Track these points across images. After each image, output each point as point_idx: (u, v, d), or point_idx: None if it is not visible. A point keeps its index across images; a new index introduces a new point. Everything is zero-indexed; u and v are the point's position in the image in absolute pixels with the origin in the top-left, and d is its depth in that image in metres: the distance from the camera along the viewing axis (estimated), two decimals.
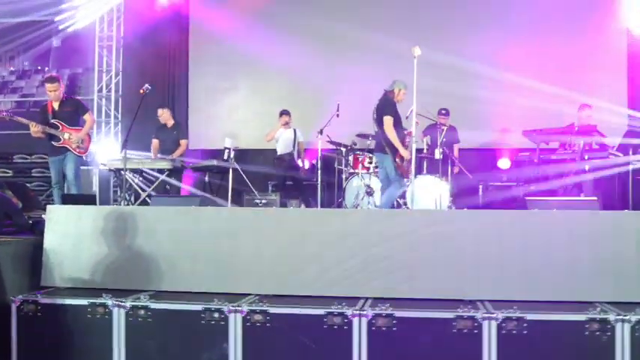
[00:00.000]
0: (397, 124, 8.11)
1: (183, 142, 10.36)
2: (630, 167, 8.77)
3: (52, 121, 8.34)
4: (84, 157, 8.71)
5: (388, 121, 8.03)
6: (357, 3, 11.96)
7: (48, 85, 8.48)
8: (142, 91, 7.94)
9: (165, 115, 10.45)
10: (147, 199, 9.27)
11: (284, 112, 10.73)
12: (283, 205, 9.80)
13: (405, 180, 8.24)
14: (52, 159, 8.49)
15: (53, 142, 8.34)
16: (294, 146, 10.68)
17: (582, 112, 9.55)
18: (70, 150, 8.36)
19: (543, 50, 11.33)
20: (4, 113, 8.77)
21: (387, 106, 8.16)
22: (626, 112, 11.59)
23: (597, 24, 11.53)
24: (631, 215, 5.50)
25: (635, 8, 11.63)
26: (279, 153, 10.73)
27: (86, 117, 8.67)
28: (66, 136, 8.32)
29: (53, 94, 8.41)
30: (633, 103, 11.75)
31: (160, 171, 9.53)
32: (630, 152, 8.85)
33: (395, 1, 11.88)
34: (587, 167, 8.84)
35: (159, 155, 10.06)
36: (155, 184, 9.49)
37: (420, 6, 11.80)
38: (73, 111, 8.61)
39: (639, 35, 11.66)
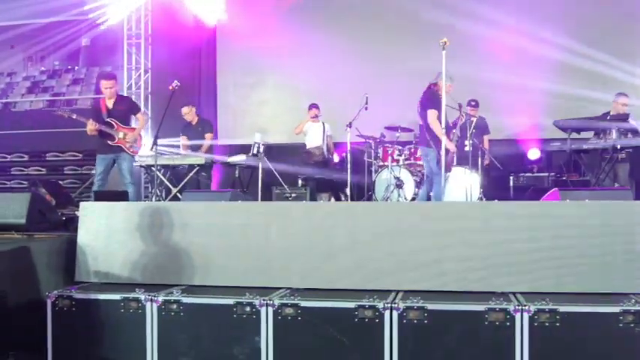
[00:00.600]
0: (441, 118, 8.04)
1: (207, 135, 10.43)
2: None
3: (107, 119, 8.39)
4: (136, 157, 8.79)
5: (432, 114, 8.01)
6: None
7: (104, 82, 8.52)
8: (171, 87, 7.99)
9: (190, 113, 10.53)
10: (178, 194, 9.35)
11: (313, 106, 10.77)
12: (313, 199, 9.85)
13: (448, 173, 8.21)
14: (103, 157, 8.51)
15: (108, 141, 8.39)
16: (323, 140, 10.70)
17: (618, 100, 9.44)
18: (124, 149, 8.43)
19: (576, 36, 11.20)
20: (63, 110, 8.84)
21: (431, 99, 8.12)
22: None
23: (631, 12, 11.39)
24: None
25: None
26: (308, 147, 10.76)
27: (139, 116, 8.78)
28: (121, 135, 8.39)
29: (109, 92, 8.45)
30: None
31: (191, 167, 9.61)
32: None
33: None
34: (620, 156, 8.75)
35: (189, 151, 10.13)
36: (186, 180, 9.57)
37: None
38: (127, 109, 8.70)
39: None
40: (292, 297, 5.00)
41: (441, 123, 7.91)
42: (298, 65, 12.07)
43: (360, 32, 11.71)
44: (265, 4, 12.16)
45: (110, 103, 8.48)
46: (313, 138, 10.79)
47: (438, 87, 8.14)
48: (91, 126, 8.23)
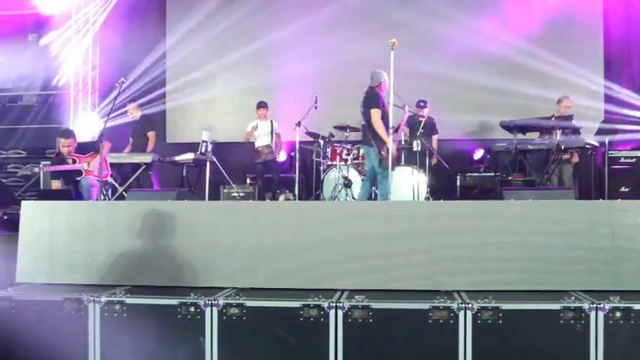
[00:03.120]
0: (385, 117, 8.11)
1: (150, 134, 10.34)
2: (606, 157, 8.86)
3: (68, 158, 8.38)
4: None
5: (375, 113, 8.05)
6: None
7: (62, 140, 8.43)
8: (117, 84, 7.88)
9: (132, 110, 10.42)
10: (124, 193, 9.22)
11: (261, 105, 10.71)
12: (261, 198, 9.80)
13: (390, 172, 8.26)
14: None
15: (77, 178, 8.36)
16: (272, 138, 10.65)
17: (562, 103, 9.64)
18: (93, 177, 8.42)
19: (523, 41, 11.37)
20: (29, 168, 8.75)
21: (373, 99, 8.16)
22: (602, 104, 11.72)
23: (574, 20, 11.61)
24: (604, 204, 5.53)
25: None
26: (256, 145, 10.66)
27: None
28: (85, 166, 8.29)
29: (66, 150, 8.38)
30: (609, 94, 11.85)
31: (137, 165, 9.49)
32: (606, 141, 8.93)
33: None
34: (564, 157, 8.91)
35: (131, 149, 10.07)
36: (132, 179, 9.45)
37: None
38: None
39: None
40: (237, 297, 4.97)
41: (387, 123, 7.95)
42: (248, 63, 12.02)
43: (310, 31, 11.69)
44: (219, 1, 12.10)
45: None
46: (262, 137, 10.68)
47: (379, 87, 8.21)
48: (54, 185, 8.33)
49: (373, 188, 8.55)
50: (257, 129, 10.60)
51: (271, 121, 10.74)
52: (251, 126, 10.66)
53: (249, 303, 4.89)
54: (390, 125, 7.94)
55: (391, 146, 7.94)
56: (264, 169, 10.63)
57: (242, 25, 11.82)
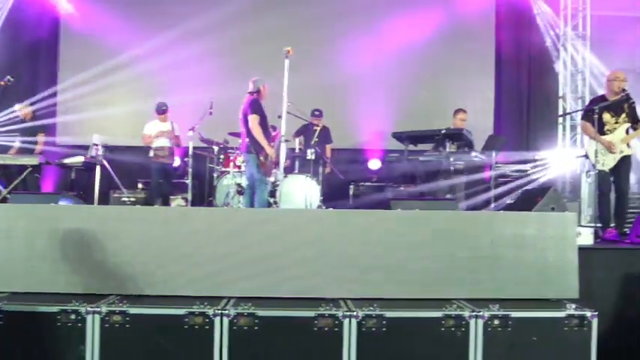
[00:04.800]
0: (264, 124, 8.16)
1: (39, 137, 9.98)
2: (493, 170, 9.15)
3: None
4: None
5: (254, 119, 8.09)
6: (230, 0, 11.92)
7: None
8: (2, 83, 7.60)
9: (22, 111, 10.05)
10: (7, 196, 8.87)
11: (165, 110, 10.45)
12: (150, 203, 9.63)
13: (268, 179, 8.30)
14: None
15: None
16: (170, 140, 10.41)
17: (457, 115, 9.91)
18: None
19: (416, 55, 11.64)
20: None
21: (252, 105, 8.20)
22: (492, 117, 12.13)
23: (467, 31, 11.98)
24: (486, 216, 5.73)
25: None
26: (154, 147, 10.35)
27: None
28: None
29: None
30: (498, 107, 12.28)
31: (23, 167, 9.15)
32: (493, 155, 9.23)
33: (269, 0, 11.90)
34: (453, 168, 9.15)
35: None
36: (17, 182, 9.10)
37: (294, 4, 11.85)
38: None
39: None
40: (121, 304, 4.85)
41: (267, 130, 8.04)
42: (144, 66, 11.82)
43: (207, 37, 11.62)
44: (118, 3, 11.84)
45: None
46: (161, 138, 10.36)
47: (258, 93, 8.27)
48: None
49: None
50: (155, 128, 10.32)
51: (171, 123, 10.44)
52: (151, 129, 10.36)
53: (133, 310, 4.77)
54: (281, 133, 8.00)
55: (270, 151, 8.02)
56: (158, 172, 10.28)
57: (138, 27, 11.62)
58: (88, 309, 4.76)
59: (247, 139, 8.25)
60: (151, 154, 10.31)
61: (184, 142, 10.11)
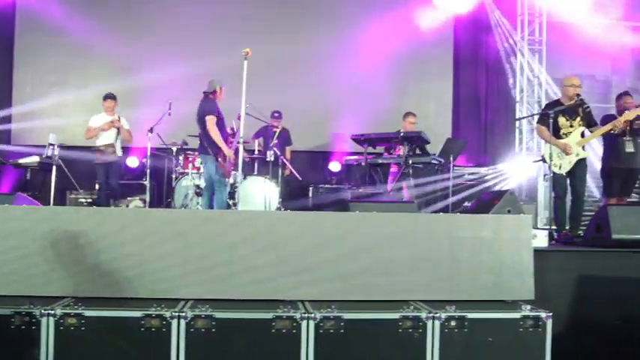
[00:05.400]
0: (221, 124, 8.14)
1: None
2: (451, 172, 9.24)
3: None
4: None
5: (210, 120, 8.09)
6: (189, 1, 11.86)
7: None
8: None
9: None
10: None
11: (109, 96, 9.99)
12: (106, 204, 9.48)
13: (227, 180, 8.27)
14: None
15: None
16: (117, 137, 9.93)
17: (407, 119, 10.01)
18: None
19: (375, 59, 11.70)
20: None
21: (208, 106, 8.18)
22: (450, 121, 12.25)
23: (426, 36, 12.09)
24: (444, 218, 5.77)
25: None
26: (98, 144, 9.87)
27: None
28: None
29: None
30: (457, 111, 12.41)
31: None
32: (451, 158, 9.32)
33: (228, 1, 11.86)
34: (411, 171, 9.23)
35: None
36: None
37: (254, 6, 11.83)
38: None
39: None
40: (76, 306, 4.77)
41: (221, 130, 8.02)
42: (103, 66, 11.72)
43: (166, 37, 11.57)
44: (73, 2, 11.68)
45: None
46: (106, 134, 9.84)
47: (215, 94, 8.26)
48: None
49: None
50: (101, 121, 9.87)
51: (119, 117, 10.05)
52: (97, 121, 9.89)
53: (88, 313, 4.70)
54: (241, 135, 7.98)
55: (228, 152, 8.01)
56: (103, 171, 9.73)
57: (97, 27, 11.49)
58: (42, 311, 4.68)
59: (204, 141, 8.22)
60: (97, 152, 9.81)
61: (143, 143, 9.96)
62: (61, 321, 4.68)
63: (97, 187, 10.11)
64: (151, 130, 9.45)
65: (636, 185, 8.47)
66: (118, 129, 9.87)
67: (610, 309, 5.79)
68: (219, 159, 7.99)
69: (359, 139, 9.38)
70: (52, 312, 4.69)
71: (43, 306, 4.73)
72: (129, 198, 10.20)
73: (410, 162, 8.95)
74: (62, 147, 9.49)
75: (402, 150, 9.14)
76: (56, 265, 5.27)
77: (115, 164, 9.89)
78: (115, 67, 11.59)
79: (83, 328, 4.69)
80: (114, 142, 9.87)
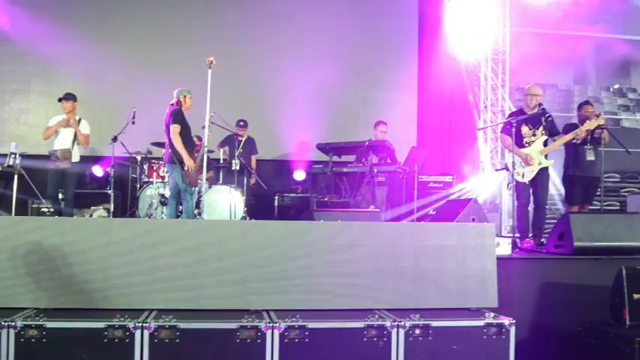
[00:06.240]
0: (186, 134, 8.12)
1: None
2: (415, 181, 9.28)
3: None
4: None
5: (175, 129, 8.06)
6: (154, 9, 11.81)
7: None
8: None
9: None
10: None
11: (66, 97, 9.34)
12: (69, 214, 9.29)
13: (194, 189, 8.24)
14: None
15: None
16: (74, 141, 9.28)
17: (378, 127, 10.04)
18: None
19: (341, 67, 11.76)
20: None
21: (174, 115, 8.16)
22: (415, 129, 12.32)
23: (390, 44, 12.17)
24: (408, 227, 5.81)
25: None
26: (54, 147, 9.26)
27: None
28: None
29: None
30: (421, 119, 12.49)
31: None
32: (416, 167, 9.37)
33: (193, 11, 11.82)
34: (378, 180, 9.26)
35: None
36: None
37: (219, 14, 11.80)
38: None
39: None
40: (37, 318, 4.71)
41: (188, 141, 8.00)
42: (65, 74, 11.60)
43: (131, 45, 11.50)
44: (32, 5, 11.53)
45: None
46: (63, 138, 9.24)
47: (180, 103, 8.25)
48: None
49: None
50: (62, 126, 9.25)
51: (80, 119, 9.41)
52: (56, 121, 9.32)
53: (50, 324, 4.64)
54: (204, 144, 7.97)
55: (190, 162, 8.00)
56: (58, 179, 9.15)
57: (62, 34, 11.36)
58: (2, 323, 4.61)
59: (170, 149, 8.19)
60: (50, 157, 9.17)
61: (107, 152, 9.80)
62: (22, 333, 4.62)
63: (60, 196, 9.82)
64: (114, 139, 9.33)
65: (597, 193, 8.57)
66: (76, 134, 9.27)
67: (572, 315, 5.86)
68: (186, 168, 7.97)
69: (325, 148, 9.41)
70: (13, 324, 4.62)
71: (3, 318, 4.66)
72: (92, 207, 10.07)
73: (375, 171, 8.98)
74: (24, 156, 9.31)
75: (374, 159, 9.22)
76: (17, 276, 5.19)
77: (70, 172, 9.20)
78: (78, 75, 11.45)
79: (44, 340, 4.63)
80: (70, 148, 9.21)
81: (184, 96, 8.24)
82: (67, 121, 9.23)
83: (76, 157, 9.28)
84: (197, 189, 8.31)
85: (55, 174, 9.14)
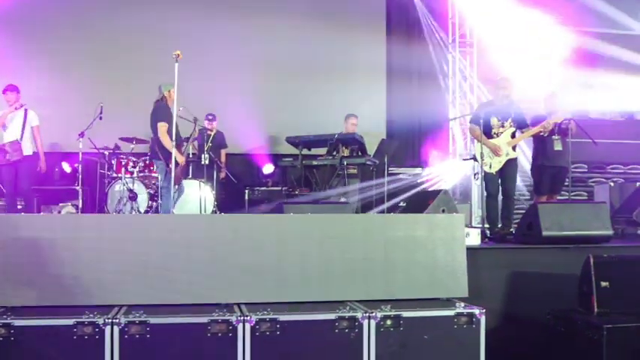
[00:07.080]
0: (171, 130, 8.04)
1: None
2: (385, 173, 9.33)
3: None
4: None
5: (162, 127, 7.99)
6: (118, 3, 11.68)
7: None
8: None
9: None
10: None
11: (8, 89, 9.13)
12: (34, 211, 9.18)
13: (176, 186, 8.20)
14: None
15: None
16: (22, 133, 9.05)
17: (349, 120, 10.05)
18: None
19: (311, 59, 11.74)
20: None
21: (160, 112, 8.08)
22: (384, 122, 12.36)
23: (358, 37, 12.17)
24: (379, 218, 5.82)
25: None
26: (5, 141, 9.00)
27: None
28: None
29: None
30: (390, 112, 12.52)
31: None
32: (385, 158, 9.41)
33: (158, 4, 11.70)
34: (349, 172, 9.28)
35: None
36: None
37: (184, 8, 11.70)
38: None
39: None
40: (5, 316, 4.63)
41: (172, 136, 7.88)
42: (28, 68, 11.38)
43: (97, 39, 11.38)
44: None
45: None
46: (10, 130, 9.00)
47: (165, 99, 8.17)
48: None
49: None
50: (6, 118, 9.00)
51: (26, 110, 9.17)
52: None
53: (18, 322, 4.56)
54: (173, 139, 7.90)
55: (180, 159, 7.93)
56: (9, 173, 8.92)
57: (26, 26, 11.21)
58: None
59: (156, 146, 8.11)
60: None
61: (74, 148, 9.65)
62: None
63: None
64: (81, 135, 9.23)
65: (565, 183, 8.67)
66: (24, 126, 9.03)
67: (541, 304, 5.91)
68: (170, 165, 7.83)
69: (294, 141, 9.39)
70: None
71: None
72: (61, 204, 9.97)
73: (345, 163, 9.00)
74: None
75: (344, 151, 9.23)
76: None
77: (23, 165, 8.98)
78: (42, 69, 11.26)
79: (12, 339, 4.55)
80: (19, 139, 8.98)
81: (169, 90, 8.11)
82: (10, 111, 9.04)
83: (27, 151, 9.07)
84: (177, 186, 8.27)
85: (8, 170, 8.96)
